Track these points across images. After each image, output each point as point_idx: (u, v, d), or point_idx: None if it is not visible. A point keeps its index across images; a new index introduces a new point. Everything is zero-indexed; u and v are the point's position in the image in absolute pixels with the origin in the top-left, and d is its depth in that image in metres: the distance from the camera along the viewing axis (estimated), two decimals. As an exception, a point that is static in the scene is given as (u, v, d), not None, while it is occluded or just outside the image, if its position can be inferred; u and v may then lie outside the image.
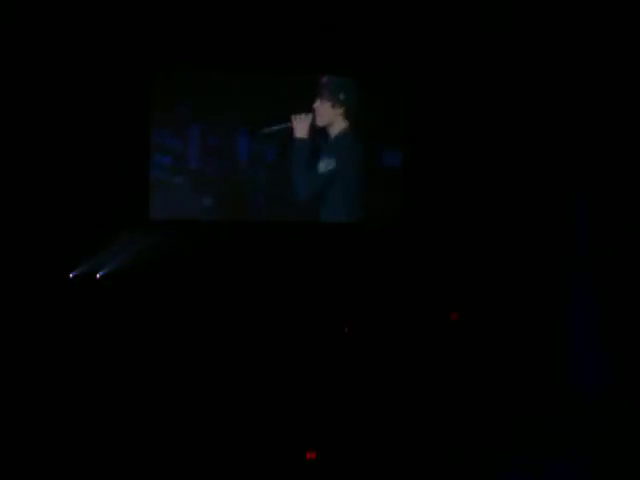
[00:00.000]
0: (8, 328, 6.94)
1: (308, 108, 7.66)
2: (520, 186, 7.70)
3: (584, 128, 7.52)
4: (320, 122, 7.67)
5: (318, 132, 7.68)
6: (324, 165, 7.67)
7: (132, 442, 6.64)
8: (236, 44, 7.45)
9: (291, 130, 7.62)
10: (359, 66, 7.71)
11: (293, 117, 7.61)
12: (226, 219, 7.68)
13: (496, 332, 7.51)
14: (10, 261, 7.06)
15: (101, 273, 7.33)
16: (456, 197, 7.78)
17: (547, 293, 7.57)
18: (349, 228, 7.78)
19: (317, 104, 7.67)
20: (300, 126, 7.61)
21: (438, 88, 7.75)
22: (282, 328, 7.39)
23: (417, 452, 6.75)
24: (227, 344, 7.27)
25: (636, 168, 7.40)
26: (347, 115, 7.72)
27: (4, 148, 7.14)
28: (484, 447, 6.70)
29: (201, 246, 7.41)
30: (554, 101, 7.59)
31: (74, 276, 7.27)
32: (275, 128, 7.57)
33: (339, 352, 7.41)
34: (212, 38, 7.40)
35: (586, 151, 7.52)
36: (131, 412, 6.84)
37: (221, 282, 7.41)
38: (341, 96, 7.70)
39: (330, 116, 7.71)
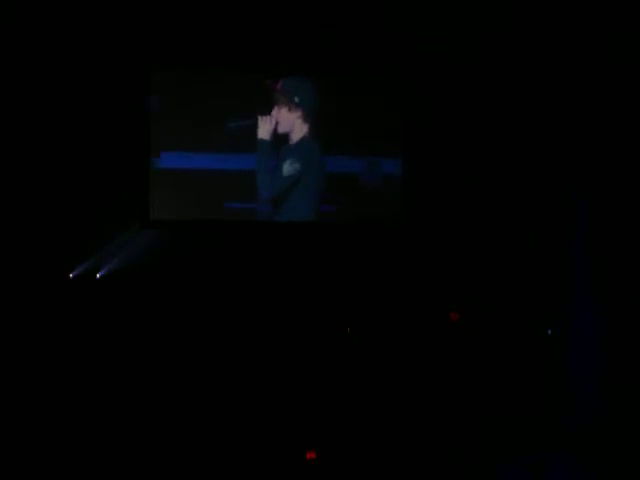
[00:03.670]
0: (8, 328, 6.94)
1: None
2: (520, 186, 7.71)
3: (583, 129, 7.53)
4: (281, 129, 7.61)
5: (281, 136, 7.64)
6: (287, 167, 7.64)
7: (132, 441, 6.65)
8: (227, 44, 7.48)
9: (255, 127, 7.56)
10: (358, 67, 7.73)
11: (259, 117, 7.55)
12: (226, 219, 7.69)
13: (496, 332, 7.52)
14: (10, 261, 7.06)
15: (101, 273, 7.34)
16: (456, 197, 7.78)
17: (547, 293, 7.58)
18: (349, 229, 7.79)
19: (275, 111, 7.60)
20: (264, 127, 7.56)
21: (437, 88, 7.75)
22: (282, 328, 7.39)
23: (417, 452, 6.76)
24: (227, 344, 7.27)
25: (635, 168, 7.41)
26: (306, 118, 7.66)
27: (5, 147, 7.14)
28: (484, 447, 6.71)
29: (201, 246, 7.42)
30: (554, 101, 7.60)
31: (74, 276, 7.27)
32: (240, 123, 7.51)
33: (339, 352, 7.41)
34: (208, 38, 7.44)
35: (585, 151, 7.53)
36: (131, 411, 6.85)
37: (222, 282, 7.41)
38: (296, 99, 7.63)
39: (290, 121, 7.64)
